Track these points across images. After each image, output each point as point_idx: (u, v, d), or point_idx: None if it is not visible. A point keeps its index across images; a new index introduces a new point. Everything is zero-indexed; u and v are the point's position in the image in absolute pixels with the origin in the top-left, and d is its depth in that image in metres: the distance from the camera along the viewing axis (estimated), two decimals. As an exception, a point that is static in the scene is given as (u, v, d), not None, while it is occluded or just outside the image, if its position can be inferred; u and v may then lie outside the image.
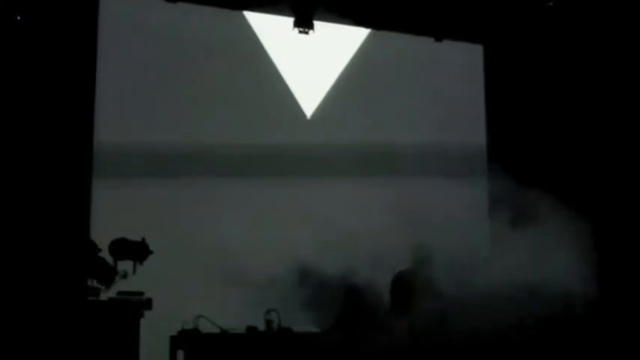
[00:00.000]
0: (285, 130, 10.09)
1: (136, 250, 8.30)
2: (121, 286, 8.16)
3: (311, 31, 9.95)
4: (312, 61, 10.39)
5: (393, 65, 10.50)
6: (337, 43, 10.50)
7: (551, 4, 9.82)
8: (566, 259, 8.24)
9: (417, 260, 8.86)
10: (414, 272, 8.88)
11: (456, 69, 10.58)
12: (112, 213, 8.61)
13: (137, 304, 8.04)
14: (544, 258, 8.38)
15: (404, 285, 8.88)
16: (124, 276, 8.21)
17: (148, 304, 8.09)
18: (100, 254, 8.20)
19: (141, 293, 8.11)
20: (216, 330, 8.32)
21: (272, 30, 10.14)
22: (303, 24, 9.84)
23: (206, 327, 8.30)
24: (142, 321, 8.05)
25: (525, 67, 10.02)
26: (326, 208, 9.22)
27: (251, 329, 8.42)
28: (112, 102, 8.89)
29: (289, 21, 10.02)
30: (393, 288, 8.93)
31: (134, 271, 8.26)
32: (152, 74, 9.40)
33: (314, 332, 8.46)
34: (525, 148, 9.63)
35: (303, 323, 8.57)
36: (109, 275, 8.18)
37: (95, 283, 8.15)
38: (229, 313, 8.36)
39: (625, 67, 9.55)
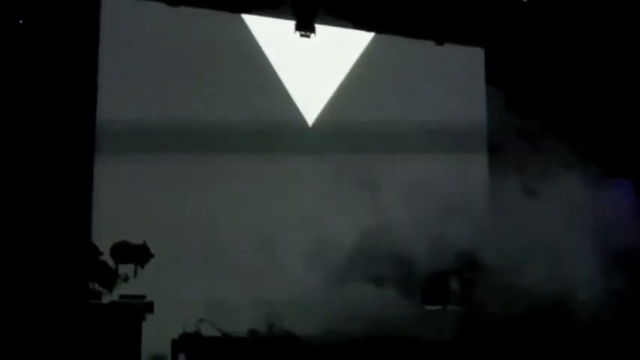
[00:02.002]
0: (286, 138, 10.02)
1: (137, 254, 8.30)
2: (123, 289, 8.17)
3: (312, 35, 9.93)
4: (314, 66, 10.33)
5: (398, 70, 10.43)
6: (339, 49, 10.46)
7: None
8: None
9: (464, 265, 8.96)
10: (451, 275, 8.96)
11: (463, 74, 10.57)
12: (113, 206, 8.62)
13: (139, 308, 8.04)
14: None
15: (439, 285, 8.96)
16: (126, 279, 8.22)
17: (149, 307, 8.08)
18: (102, 257, 8.21)
19: (142, 297, 8.11)
20: (217, 333, 8.31)
21: (272, 35, 10.10)
22: (305, 27, 9.83)
23: (208, 330, 8.31)
24: (144, 324, 8.05)
25: (526, 69, 10.03)
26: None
27: (253, 332, 8.42)
28: (112, 102, 8.91)
29: (289, 26, 10.00)
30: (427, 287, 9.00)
31: (135, 275, 8.27)
32: (149, 82, 9.35)
33: (315, 335, 8.45)
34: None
35: (304, 326, 8.56)
36: (110, 279, 8.18)
37: (97, 287, 8.16)
38: (231, 316, 8.38)
39: (624, 69, 9.60)
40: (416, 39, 10.27)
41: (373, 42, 10.58)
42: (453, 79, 10.55)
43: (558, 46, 9.97)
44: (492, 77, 10.51)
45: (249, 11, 9.86)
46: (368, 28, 10.33)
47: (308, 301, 8.42)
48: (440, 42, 10.40)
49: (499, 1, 10.22)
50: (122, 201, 8.86)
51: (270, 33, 10.11)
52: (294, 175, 9.72)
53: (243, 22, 10.04)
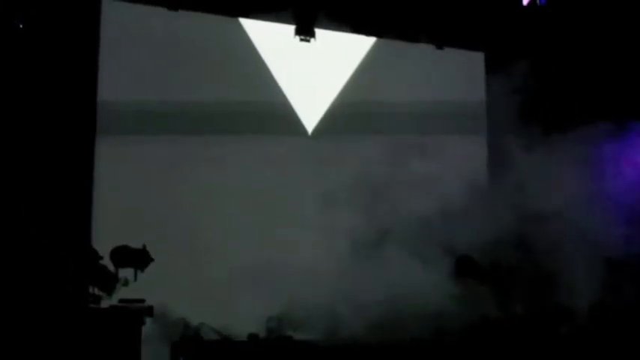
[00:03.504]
0: (285, 146, 9.98)
1: (137, 258, 8.31)
2: (123, 293, 8.18)
3: (312, 40, 9.91)
4: (314, 72, 10.28)
5: (400, 76, 10.37)
6: (340, 54, 10.42)
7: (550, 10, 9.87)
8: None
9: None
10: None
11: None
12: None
13: (138, 312, 8.04)
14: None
15: None
16: (125, 283, 8.23)
17: (149, 311, 8.09)
18: (102, 262, 8.22)
19: (142, 300, 8.12)
20: (217, 337, 8.32)
21: (271, 41, 10.06)
22: (305, 32, 9.82)
23: (208, 334, 8.31)
24: (143, 328, 8.04)
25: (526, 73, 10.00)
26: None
27: (252, 336, 8.42)
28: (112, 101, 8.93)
29: (288, 31, 9.96)
30: None
31: (135, 279, 8.28)
32: (147, 88, 9.35)
33: (314, 340, 8.45)
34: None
35: (303, 331, 8.56)
36: (110, 283, 8.19)
37: (96, 291, 8.17)
38: (232, 319, 8.40)
39: (623, 72, 9.61)
40: (415, 43, 10.22)
41: (374, 48, 10.55)
42: (454, 82, 10.49)
43: (559, 50, 9.97)
44: (493, 81, 10.47)
45: (250, 15, 9.84)
46: (368, 33, 10.30)
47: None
48: (440, 46, 10.37)
49: (499, 5, 10.21)
50: (122, 202, 8.84)
51: (269, 39, 10.07)
52: (294, 181, 9.69)
53: (241, 29, 10.02)
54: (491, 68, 10.51)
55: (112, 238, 8.24)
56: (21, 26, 7.86)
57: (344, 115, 10.31)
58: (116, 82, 8.94)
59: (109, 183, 8.66)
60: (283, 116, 10.10)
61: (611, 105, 9.46)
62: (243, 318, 8.36)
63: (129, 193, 8.91)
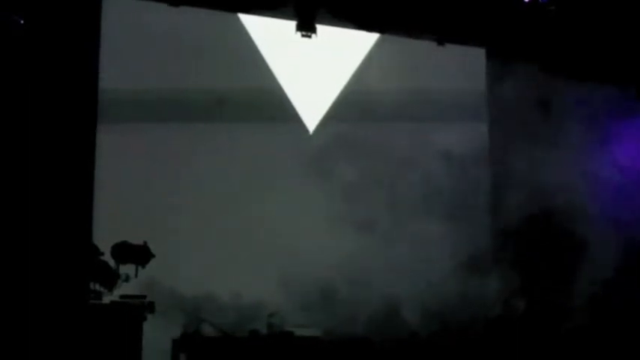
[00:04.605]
0: (287, 146, 9.96)
1: (138, 254, 8.32)
2: (125, 289, 8.21)
3: (314, 35, 9.88)
4: (315, 72, 10.23)
5: (402, 74, 10.31)
6: (342, 52, 10.38)
7: (552, 7, 9.84)
8: None
9: None
10: None
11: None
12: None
13: (139, 307, 8.05)
14: None
15: None
16: (126, 279, 8.24)
17: (150, 307, 8.10)
18: (102, 258, 8.23)
19: (143, 296, 8.13)
20: (218, 333, 8.33)
21: (272, 39, 10.03)
22: (306, 27, 9.79)
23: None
24: (144, 324, 8.06)
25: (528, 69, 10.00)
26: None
27: (253, 333, 8.43)
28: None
29: (289, 29, 9.92)
30: None
31: (136, 275, 8.29)
32: (147, 86, 9.34)
33: (315, 336, 8.47)
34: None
35: (304, 327, 8.56)
36: (111, 279, 8.20)
37: (98, 287, 8.18)
38: (233, 315, 8.42)
39: (623, 70, 9.62)
40: (417, 39, 10.19)
41: (376, 45, 10.51)
42: (456, 80, 10.46)
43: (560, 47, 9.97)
44: (494, 77, 10.47)
45: (251, 11, 9.81)
46: (369, 29, 10.27)
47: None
48: (441, 42, 10.34)
49: (501, 2, 10.19)
50: (122, 195, 8.84)
51: (270, 37, 10.04)
52: (296, 174, 9.67)
53: (242, 27, 9.99)
54: (492, 61, 10.50)
55: (112, 232, 8.24)
56: (22, 22, 7.83)
57: (345, 113, 10.28)
58: (117, 80, 8.94)
59: (110, 177, 8.64)
60: (284, 114, 10.08)
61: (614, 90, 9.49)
62: (244, 312, 8.42)
63: (129, 186, 8.92)
